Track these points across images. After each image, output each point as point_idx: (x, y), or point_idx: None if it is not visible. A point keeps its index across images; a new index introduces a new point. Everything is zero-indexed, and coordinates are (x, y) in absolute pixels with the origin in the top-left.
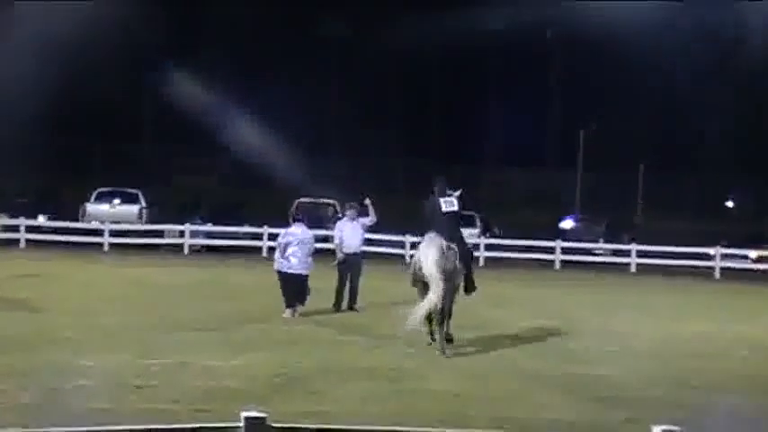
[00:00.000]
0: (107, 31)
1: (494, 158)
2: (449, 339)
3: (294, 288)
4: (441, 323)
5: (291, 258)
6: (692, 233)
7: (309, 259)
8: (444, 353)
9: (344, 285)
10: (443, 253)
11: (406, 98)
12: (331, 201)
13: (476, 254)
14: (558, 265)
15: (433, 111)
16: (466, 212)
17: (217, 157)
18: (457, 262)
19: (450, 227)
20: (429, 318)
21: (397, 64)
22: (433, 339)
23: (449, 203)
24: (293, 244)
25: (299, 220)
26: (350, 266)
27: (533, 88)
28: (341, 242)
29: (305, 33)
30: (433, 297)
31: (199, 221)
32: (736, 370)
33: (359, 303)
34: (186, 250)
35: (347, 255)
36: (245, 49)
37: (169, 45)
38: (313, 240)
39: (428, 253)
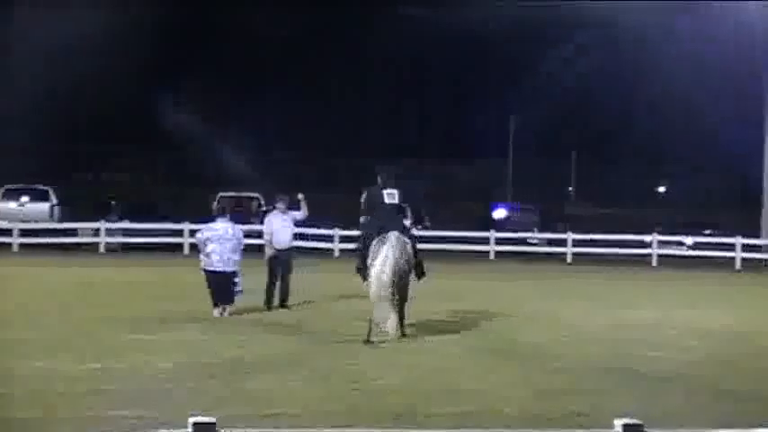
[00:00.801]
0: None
1: (430, 150)
2: (403, 334)
3: (220, 287)
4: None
5: (212, 255)
6: (624, 221)
7: (235, 256)
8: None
9: (275, 282)
10: (402, 252)
11: (346, 94)
12: (254, 194)
13: None
14: (492, 256)
15: (374, 106)
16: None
17: (151, 155)
18: (412, 256)
19: (392, 218)
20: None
21: (340, 61)
22: (369, 341)
23: (391, 195)
24: (213, 240)
25: (221, 215)
26: (280, 262)
27: (472, 79)
28: (270, 237)
29: (248, 34)
30: (375, 290)
31: (115, 219)
32: (687, 359)
33: (290, 300)
34: (102, 249)
35: (277, 250)
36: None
37: (110, 39)
38: (239, 236)
39: (389, 255)
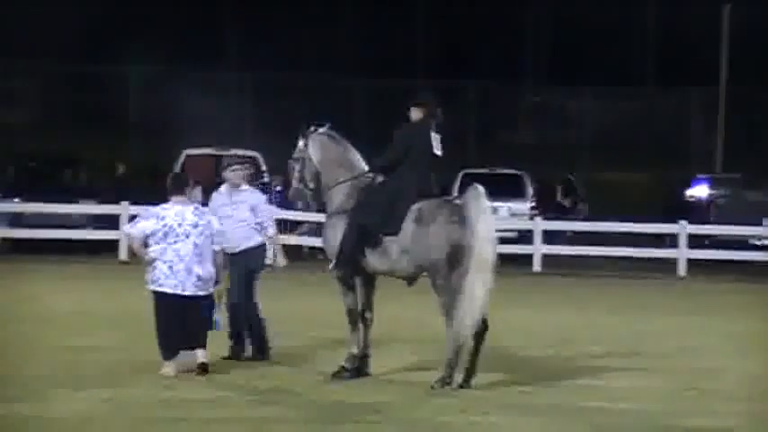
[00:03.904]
0: None
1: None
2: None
3: (177, 323)
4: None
5: (160, 267)
6: None
7: (202, 268)
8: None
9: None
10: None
11: None
12: (250, 153)
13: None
14: (682, 269)
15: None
16: (504, 171)
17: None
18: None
19: (433, 180)
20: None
21: None
22: (446, 382)
23: (437, 141)
24: (159, 238)
25: (176, 191)
26: (233, 278)
27: None
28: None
29: None
30: (480, 293)
31: None
32: None
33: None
34: None
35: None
36: None
37: None
38: (209, 228)
39: (486, 223)
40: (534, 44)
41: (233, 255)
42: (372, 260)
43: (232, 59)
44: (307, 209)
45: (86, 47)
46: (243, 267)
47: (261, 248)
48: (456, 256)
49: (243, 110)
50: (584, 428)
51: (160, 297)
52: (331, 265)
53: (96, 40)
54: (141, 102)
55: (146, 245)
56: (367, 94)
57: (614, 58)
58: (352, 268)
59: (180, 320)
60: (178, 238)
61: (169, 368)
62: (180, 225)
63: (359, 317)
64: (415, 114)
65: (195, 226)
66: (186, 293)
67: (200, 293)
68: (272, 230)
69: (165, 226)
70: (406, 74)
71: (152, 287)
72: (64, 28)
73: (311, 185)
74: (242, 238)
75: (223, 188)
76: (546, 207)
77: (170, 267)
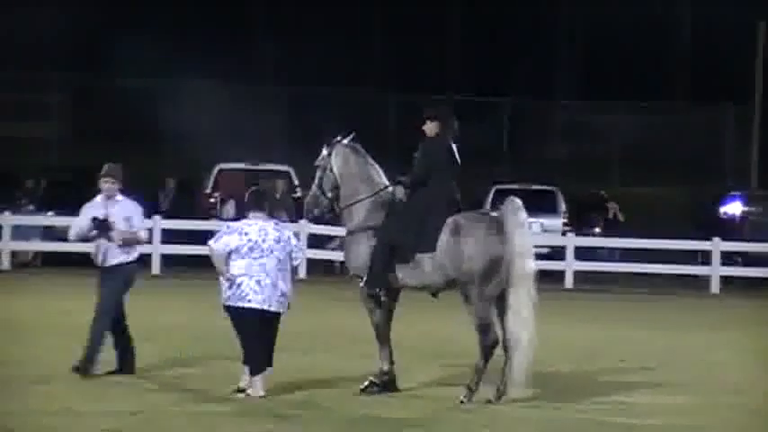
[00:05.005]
0: None
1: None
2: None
3: (262, 339)
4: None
5: (246, 282)
6: None
7: (284, 284)
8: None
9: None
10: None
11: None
12: (282, 167)
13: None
14: (714, 287)
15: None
16: (537, 186)
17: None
18: None
19: (454, 197)
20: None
21: None
22: (472, 392)
23: (456, 152)
24: (243, 254)
25: (255, 207)
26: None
27: None
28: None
29: None
30: (528, 315)
31: (28, 207)
32: None
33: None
34: (5, 263)
35: (100, 271)
36: None
37: None
38: (290, 244)
39: (522, 237)
40: (566, 59)
41: (106, 268)
42: (403, 275)
43: (264, 73)
44: (321, 218)
45: (118, 60)
46: (117, 281)
47: (134, 264)
48: (493, 269)
49: (274, 124)
50: None
51: (246, 313)
52: (362, 283)
53: (127, 54)
54: (172, 115)
55: (227, 260)
56: (398, 108)
57: (646, 74)
58: (382, 285)
59: (263, 336)
60: (263, 254)
61: (250, 384)
62: (264, 241)
63: (388, 332)
64: (430, 129)
65: (278, 241)
66: (272, 309)
67: (281, 310)
68: (143, 233)
69: (249, 241)
70: (437, 89)
71: (239, 303)
72: (95, 41)
73: (329, 195)
74: (116, 252)
75: (99, 198)
76: (589, 223)
77: (258, 282)
